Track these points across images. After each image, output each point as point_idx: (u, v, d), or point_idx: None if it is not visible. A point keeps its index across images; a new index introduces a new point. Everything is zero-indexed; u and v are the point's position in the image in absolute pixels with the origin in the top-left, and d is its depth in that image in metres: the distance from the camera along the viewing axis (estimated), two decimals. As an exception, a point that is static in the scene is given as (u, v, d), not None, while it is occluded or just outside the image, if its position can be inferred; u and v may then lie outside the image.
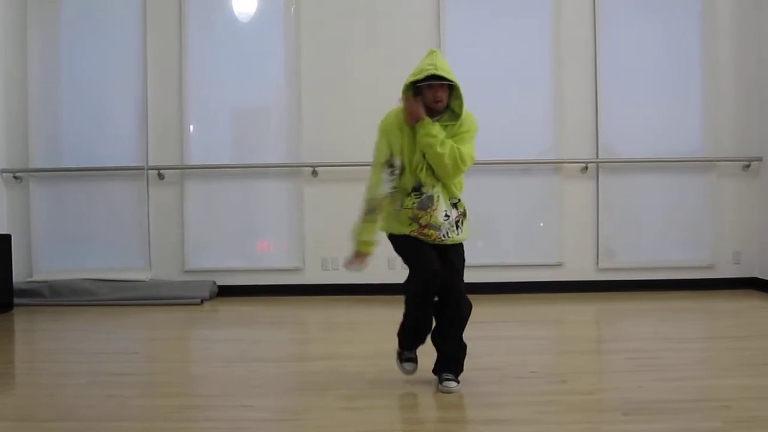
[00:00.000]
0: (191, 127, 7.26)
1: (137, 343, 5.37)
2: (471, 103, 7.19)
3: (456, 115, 3.81)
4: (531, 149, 7.18)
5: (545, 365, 4.37)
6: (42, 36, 7.28)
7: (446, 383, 3.73)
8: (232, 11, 7.27)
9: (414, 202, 3.70)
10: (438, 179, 3.73)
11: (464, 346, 3.85)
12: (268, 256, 7.32)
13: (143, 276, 7.12)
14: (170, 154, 7.21)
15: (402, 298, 3.85)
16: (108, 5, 7.27)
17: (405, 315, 3.87)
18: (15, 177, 7.18)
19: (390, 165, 3.75)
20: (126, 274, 7.11)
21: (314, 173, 7.11)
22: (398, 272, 7.10)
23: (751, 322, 5.75)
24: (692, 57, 7.20)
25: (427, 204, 3.70)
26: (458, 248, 3.83)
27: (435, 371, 3.87)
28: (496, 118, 7.09)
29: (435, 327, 3.88)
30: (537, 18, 7.18)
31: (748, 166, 7.12)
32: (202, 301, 6.76)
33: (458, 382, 3.74)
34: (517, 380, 3.89)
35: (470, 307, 3.82)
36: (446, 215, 3.72)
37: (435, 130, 3.64)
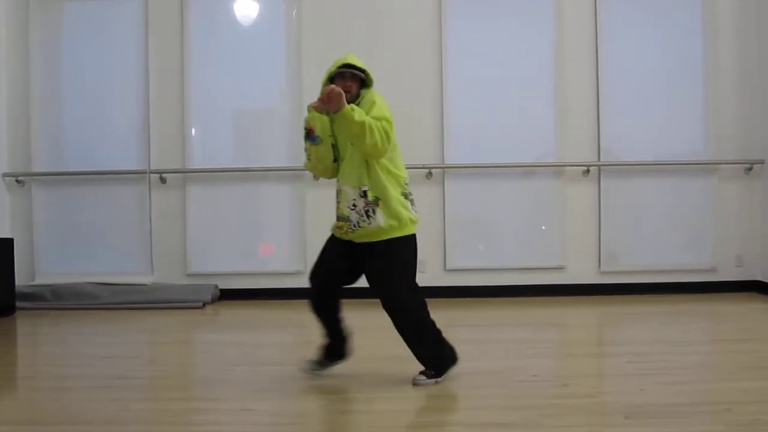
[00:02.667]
0: (193, 131, 7.27)
1: (139, 347, 5.37)
2: (472, 106, 7.25)
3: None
4: (533, 152, 7.19)
5: (547, 368, 4.37)
6: (44, 40, 7.30)
7: (415, 378, 3.86)
8: (233, 14, 7.29)
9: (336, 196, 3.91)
10: (343, 173, 3.87)
11: (430, 342, 3.93)
12: (270, 260, 7.32)
13: (145, 279, 7.13)
14: (172, 157, 7.22)
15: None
16: (110, 9, 7.29)
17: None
18: (17, 181, 7.19)
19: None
20: (128, 277, 7.11)
21: (316, 177, 7.09)
22: (400, 275, 7.09)
23: (753, 325, 5.74)
24: (693, 60, 7.20)
25: (337, 197, 3.89)
26: (383, 247, 3.83)
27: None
28: (498, 121, 7.13)
29: None
30: (538, 21, 7.18)
31: (750, 168, 7.12)
32: (204, 305, 6.77)
33: (432, 376, 3.86)
34: (518, 384, 3.89)
35: (413, 308, 3.89)
36: (352, 205, 3.81)
37: (354, 112, 3.65)
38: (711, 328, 5.81)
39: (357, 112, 3.61)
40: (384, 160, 3.81)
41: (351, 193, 3.82)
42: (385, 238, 3.81)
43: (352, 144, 3.76)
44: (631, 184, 7.16)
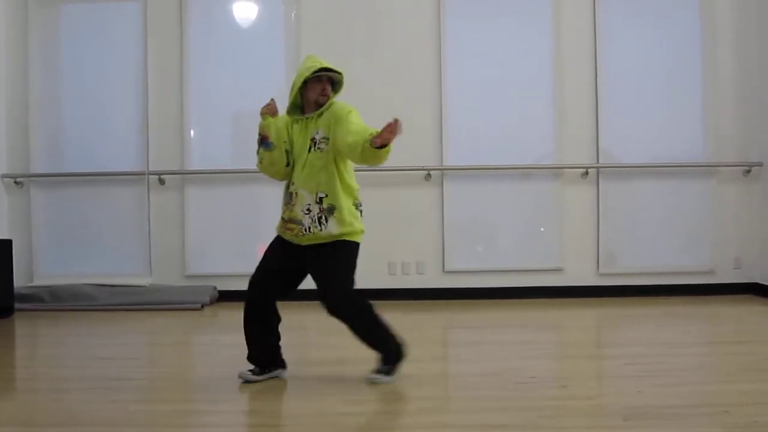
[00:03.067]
0: (192, 132, 7.26)
1: (138, 348, 5.37)
2: (471, 107, 7.25)
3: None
4: (531, 154, 7.19)
5: (545, 370, 4.37)
6: (43, 41, 7.30)
7: (372, 375, 3.94)
8: (232, 15, 7.29)
9: (284, 197, 3.97)
10: (298, 177, 3.88)
11: (380, 339, 3.98)
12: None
13: (144, 281, 7.12)
14: (171, 159, 7.22)
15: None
16: (108, 11, 7.29)
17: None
18: (16, 182, 7.19)
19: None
20: (126, 279, 7.11)
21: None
22: (398, 277, 7.15)
23: (751, 327, 5.74)
24: (692, 62, 7.20)
25: (288, 200, 3.93)
26: (331, 248, 3.88)
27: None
28: (497, 123, 7.13)
29: None
30: (537, 22, 7.19)
31: (748, 171, 7.12)
32: (202, 306, 6.77)
33: (388, 373, 3.92)
34: (517, 385, 3.89)
35: (362, 305, 3.95)
36: (307, 210, 3.85)
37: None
38: (709, 330, 5.82)
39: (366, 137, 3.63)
40: (342, 170, 3.87)
41: (307, 198, 3.86)
42: (334, 240, 3.87)
43: (312, 151, 3.85)
44: (629, 186, 7.17)
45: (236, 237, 7.27)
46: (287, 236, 3.97)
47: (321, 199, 3.83)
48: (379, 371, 3.93)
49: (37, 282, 7.13)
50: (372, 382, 3.88)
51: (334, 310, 3.88)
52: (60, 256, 7.27)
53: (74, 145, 7.32)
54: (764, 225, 7.04)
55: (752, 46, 7.13)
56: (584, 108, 7.13)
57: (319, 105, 3.91)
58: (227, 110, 7.39)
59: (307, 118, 3.93)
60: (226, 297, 7.08)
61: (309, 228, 3.84)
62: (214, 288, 7.08)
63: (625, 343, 5.31)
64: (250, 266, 7.11)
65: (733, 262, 7.15)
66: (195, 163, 7.25)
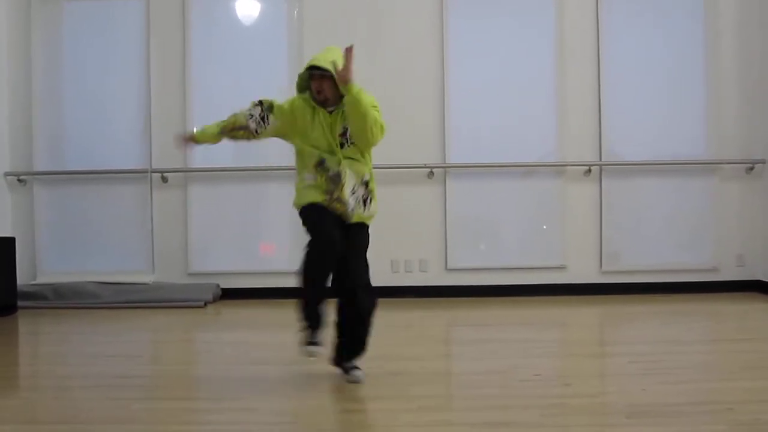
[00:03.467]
0: (194, 130, 7.24)
1: (141, 346, 5.37)
2: (474, 105, 7.25)
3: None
4: (534, 152, 7.18)
5: (549, 368, 4.37)
6: (46, 40, 7.30)
7: (354, 372, 3.92)
8: (235, 14, 7.29)
9: (325, 178, 3.83)
10: (344, 156, 3.82)
11: (368, 334, 3.97)
12: (272, 259, 7.32)
13: (147, 279, 7.13)
14: (173, 157, 7.20)
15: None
16: (111, 9, 7.29)
17: (301, 294, 3.88)
18: (19, 180, 7.20)
19: (264, 114, 4.04)
20: (129, 276, 7.11)
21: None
22: (401, 275, 7.14)
23: (754, 324, 5.74)
24: (695, 59, 7.19)
25: (336, 180, 3.82)
26: (363, 229, 3.94)
27: (337, 362, 4.02)
28: (499, 121, 7.13)
29: (339, 316, 3.98)
30: (540, 21, 7.18)
31: (751, 168, 7.11)
32: (205, 304, 6.77)
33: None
34: (520, 383, 3.89)
35: (375, 300, 3.93)
36: (353, 191, 3.84)
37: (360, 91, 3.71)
38: (712, 327, 5.81)
39: (359, 92, 3.67)
40: (369, 159, 3.94)
41: (353, 179, 3.85)
42: (366, 222, 3.95)
43: (346, 147, 3.84)
44: (632, 183, 7.16)
45: (239, 235, 7.27)
46: (334, 207, 3.85)
47: (366, 182, 3.88)
48: (357, 368, 3.95)
49: (41, 280, 7.14)
50: (356, 381, 3.88)
51: (354, 291, 3.85)
52: (63, 253, 7.28)
53: (77, 142, 7.32)
54: (767, 222, 7.03)
55: (755, 44, 7.12)
56: (587, 106, 7.12)
57: (320, 102, 3.86)
58: (229, 108, 7.28)
59: (331, 113, 3.86)
60: (229, 295, 7.09)
61: (353, 209, 3.85)
62: (217, 286, 7.09)
63: (629, 340, 5.31)
64: (253, 264, 7.23)
65: (736, 259, 7.14)
66: (198, 161, 7.24)
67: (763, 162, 7.05)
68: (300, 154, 3.95)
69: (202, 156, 7.25)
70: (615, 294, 6.99)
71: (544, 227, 7.21)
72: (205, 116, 7.20)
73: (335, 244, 3.70)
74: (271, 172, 7.22)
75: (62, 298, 6.82)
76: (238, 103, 7.30)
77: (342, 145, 3.83)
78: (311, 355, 3.79)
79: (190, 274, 7.20)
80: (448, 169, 7.11)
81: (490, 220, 7.24)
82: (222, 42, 7.27)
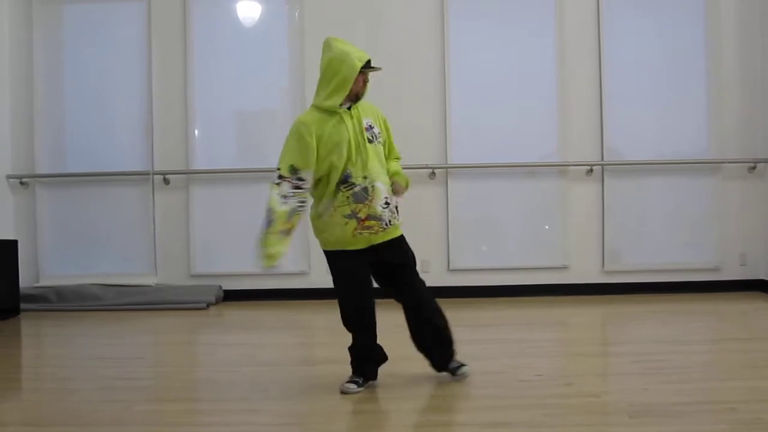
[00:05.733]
0: (196, 132, 7.27)
1: (143, 348, 5.38)
2: (475, 105, 7.24)
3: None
4: (536, 152, 7.17)
5: (550, 368, 4.37)
6: (47, 42, 7.31)
7: (462, 369, 3.88)
8: (236, 15, 7.29)
9: (348, 197, 3.63)
10: (371, 169, 3.68)
11: (448, 326, 3.95)
12: (274, 260, 7.30)
13: (149, 281, 7.13)
14: (175, 158, 7.23)
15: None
16: (112, 12, 7.30)
17: (354, 342, 3.95)
18: (21, 182, 7.21)
19: (296, 174, 3.77)
20: (132, 279, 7.12)
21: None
22: (403, 276, 7.07)
23: (757, 324, 5.73)
24: (697, 58, 7.18)
25: (363, 196, 3.64)
26: (401, 243, 3.87)
27: (440, 368, 3.93)
28: (501, 121, 7.12)
29: (414, 332, 3.92)
30: (541, 20, 7.17)
31: (753, 167, 7.10)
32: (207, 306, 6.78)
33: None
34: (522, 383, 3.89)
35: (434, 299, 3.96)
36: (386, 203, 3.69)
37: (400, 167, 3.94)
38: (715, 327, 5.81)
39: (405, 179, 3.89)
40: None
41: (383, 191, 3.70)
42: (398, 236, 3.85)
43: (374, 143, 3.77)
44: (634, 183, 7.15)
45: (241, 236, 7.21)
46: (359, 242, 3.72)
47: (389, 191, 3.78)
48: (461, 365, 3.90)
49: (43, 282, 7.15)
50: (466, 375, 3.88)
51: (420, 306, 3.85)
52: (65, 256, 7.28)
53: (79, 145, 7.33)
54: (770, 221, 7.04)
55: (757, 43, 7.11)
56: (588, 105, 7.12)
57: (357, 97, 3.77)
58: (231, 110, 7.39)
59: (349, 109, 3.75)
60: (231, 296, 7.09)
61: (389, 221, 3.70)
62: (220, 287, 7.09)
63: (631, 340, 5.30)
64: (255, 265, 7.17)
65: (739, 258, 7.13)
66: (200, 163, 7.25)
67: (765, 161, 7.04)
68: (323, 178, 3.74)
69: (204, 158, 7.28)
70: (617, 294, 6.98)
71: (546, 227, 7.20)
72: (208, 118, 7.26)
73: (371, 309, 3.82)
74: (273, 174, 7.21)
75: (65, 300, 6.83)
76: (241, 105, 7.37)
77: (370, 141, 3.70)
78: (347, 392, 3.75)
79: (193, 276, 7.21)
80: (449, 169, 7.11)
81: (492, 220, 7.24)
82: (223, 44, 7.28)
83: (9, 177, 7.13)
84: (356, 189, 3.63)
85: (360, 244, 3.72)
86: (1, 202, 7.07)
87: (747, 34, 7.12)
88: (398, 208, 3.80)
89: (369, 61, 3.76)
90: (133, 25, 7.28)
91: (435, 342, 3.91)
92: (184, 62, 7.22)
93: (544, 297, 6.95)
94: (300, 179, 3.74)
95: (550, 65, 7.16)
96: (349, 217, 3.64)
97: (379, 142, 3.78)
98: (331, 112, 3.71)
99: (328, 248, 3.82)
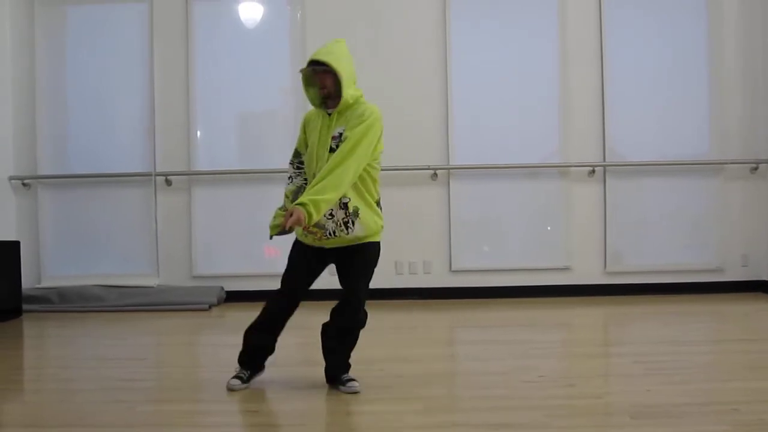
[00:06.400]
0: (198, 133, 7.28)
1: (145, 349, 5.38)
2: (477, 106, 7.24)
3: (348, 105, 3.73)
4: (538, 153, 7.18)
5: (553, 369, 4.36)
6: (49, 44, 7.33)
7: (351, 384, 3.79)
8: (238, 17, 7.30)
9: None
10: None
11: (351, 347, 3.94)
12: (276, 261, 7.30)
13: (151, 282, 7.14)
14: (177, 160, 7.24)
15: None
16: (114, 13, 7.31)
17: (247, 336, 4.06)
18: (23, 184, 7.22)
19: (298, 158, 3.96)
20: (134, 280, 7.13)
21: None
22: (405, 277, 7.14)
23: (759, 325, 5.72)
24: (699, 59, 7.19)
25: None
26: (360, 251, 3.78)
27: (330, 379, 3.92)
28: (503, 122, 7.13)
29: (327, 329, 3.96)
30: (543, 21, 7.19)
31: (755, 168, 7.10)
32: (209, 307, 6.78)
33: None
34: (524, 384, 3.89)
35: (365, 316, 3.87)
36: (330, 215, 3.67)
37: (314, 194, 3.55)
38: (717, 328, 5.80)
39: (316, 209, 3.51)
40: (367, 168, 3.69)
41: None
42: (358, 243, 3.78)
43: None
44: (636, 184, 7.16)
45: (243, 237, 7.28)
46: (308, 241, 3.84)
47: (345, 204, 3.66)
48: (353, 379, 3.85)
49: (45, 283, 7.16)
50: (353, 392, 3.76)
51: (347, 301, 3.84)
52: (67, 257, 7.30)
53: (81, 146, 7.34)
54: (772, 222, 7.03)
55: (758, 43, 7.11)
56: (590, 106, 7.12)
57: (324, 99, 3.74)
58: (233, 111, 7.40)
59: (330, 114, 3.74)
60: (233, 297, 7.10)
61: (333, 232, 3.69)
62: (222, 288, 7.10)
63: (633, 341, 5.30)
64: (257, 266, 7.23)
65: (741, 259, 7.14)
66: (201, 164, 7.27)
67: (767, 162, 7.04)
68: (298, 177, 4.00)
69: (206, 159, 7.28)
70: (619, 295, 6.99)
71: (548, 228, 7.21)
72: (210, 119, 7.27)
73: (293, 301, 3.95)
74: (275, 175, 7.21)
75: (67, 301, 6.84)
76: (242, 106, 7.38)
77: (332, 150, 3.65)
78: (230, 388, 3.88)
79: (195, 277, 7.22)
80: (451, 170, 7.11)
81: (493, 221, 7.25)
82: (225, 45, 7.29)
83: (11, 178, 7.14)
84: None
85: (309, 241, 3.85)
86: (4, 203, 7.08)
87: (748, 35, 7.13)
88: (353, 221, 3.69)
89: (314, 61, 3.70)
90: (135, 26, 7.29)
91: (342, 347, 3.93)
92: (186, 63, 7.23)
93: (546, 298, 6.95)
94: (301, 162, 3.97)
95: (552, 66, 7.16)
96: None
97: None
98: (321, 112, 3.80)
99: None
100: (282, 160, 7.21)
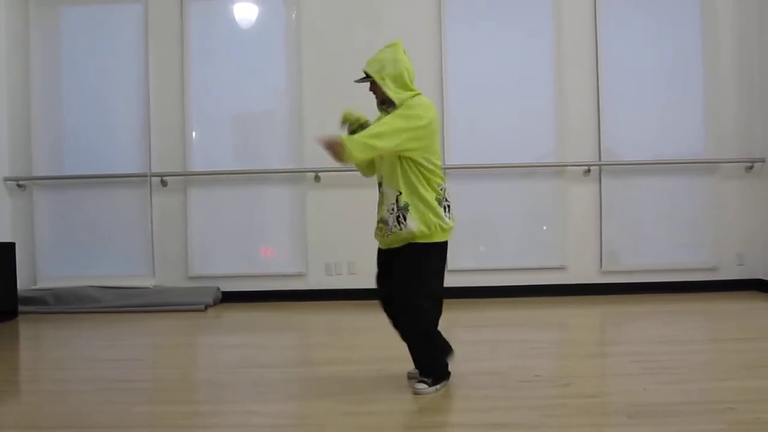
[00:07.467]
0: (194, 134, 7.27)
1: (141, 350, 5.37)
2: (473, 107, 7.23)
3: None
4: (533, 152, 7.18)
5: (549, 369, 4.37)
6: (44, 44, 7.31)
7: (416, 385, 3.79)
8: (233, 17, 7.29)
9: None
10: (382, 173, 3.81)
11: (429, 351, 3.86)
12: (272, 262, 7.32)
13: (147, 283, 7.13)
14: (173, 160, 7.23)
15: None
16: (109, 13, 7.30)
17: None
18: (19, 185, 7.20)
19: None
20: (130, 280, 7.12)
21: (317, 178, 7.12)
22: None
23: (755, 323, 5.73)
24: (694, 58, 7.20)
25: (380, 198, 3.84)
26: (406, 253, 3.79)
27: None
28: (498, 122, 7.13)
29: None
30: (538, 21, 7.19)
31: (750, 167, 7.12)
32: (206, 308, 6.77)
33: (429, 384, 3.78)
34: (521, 384, 3.89)
35: (422, 316, 3.80)
36: (391, 209, 3.76)
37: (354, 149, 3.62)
38: (713, 327, 5.81)
39: (356, 147, 3.60)
40: (421, 161, 3.75)
41: (390, 196, 3.77)
42: (413, 242, 3.78)
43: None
44: (632, 183, 7.17)
45: (239, 238, 7.27)
46: (377, 236, 3.91)
47: (397, 197, 3.74)
48: (420, 381, 3.82)
49: (41, 285, 7.14)
50: (416, 393, 3.75)
51: (400, 312, 3.83)
52: (63, 258, 7.28)
53: (76, 147, 7.33)
54: (767, 221, 7.04)
55: (753, 42, 7.13)
56: (586, 106, 7.13)
57: (379, 104, 3.88)
58: (229, 111, 7.39)
59: (380, 113, 3.90)
60: (229, 298, 7.10)
61: (391, 228, 3.76)
62: (218, 289, 7.09)
63: (629, 340, 5.30)
64: (253, 267, 7.23)
65: (736, 258, 7.15)
66: (197, 165, 7.26)
67: (762, 161, 7.06)
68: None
69: (201, 159, 7.27)
70: (615, 294, 7.00)
71: (544, 228, 7.21)
72: (205, 119, 7.26)
73: (389, 304, 3.90)
74: (271, 175, 7.23)
75: (63, 302, 6.83)
76: (238, 107, 7.37)
77: None
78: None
79: (191, 278, 7.21)
80: (447, 170, 7.11)
81: (489, 221, 7.25)
82: (220, 45, 7.28)
83: (6, 179, 7.13)
84: (379, 191, 3.87)
85: (379, 240, 3.92)
86: (-1, 205, 7.08)
87: (744, 34, 7.14)
88: (403, 217, 3.73)
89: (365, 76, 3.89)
90: (131, 26, 7.28)
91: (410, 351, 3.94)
92: (181, 64, 7.22)
93: (542, 297, 6.96)
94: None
95: (548, 66, 7.17)
96: (377, 212, 3.88)
97: None
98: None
99: None
100: (277, 160, 7.28)
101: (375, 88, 3.84)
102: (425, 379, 3.81)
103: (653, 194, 7.16)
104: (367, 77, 3.85)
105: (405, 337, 3.90)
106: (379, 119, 3.87)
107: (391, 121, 3.68)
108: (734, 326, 5.71)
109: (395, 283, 3.82)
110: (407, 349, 3.90)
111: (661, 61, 7.16)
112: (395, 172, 3.76)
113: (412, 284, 3.76)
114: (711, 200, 7.16)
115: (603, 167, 7.13)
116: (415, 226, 3.73)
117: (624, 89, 7.14)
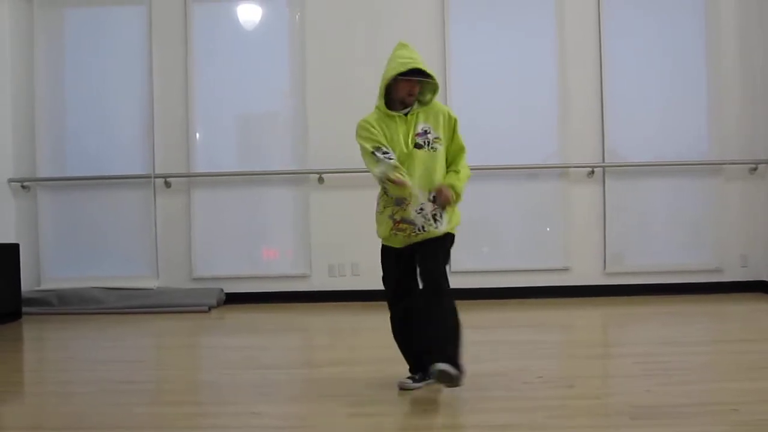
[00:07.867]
0: (197, 135, 7.28)
1: (145, 351, 5.38)
2: (476, 108, 7.23)
3: (423, 103, 3.86)
4: (537, 154, 7.18)
5: (552, 370, 4.37)
6: (48, 46, 7.33)
7: (438, 365, 3.42)
8: (237, 19, 7.30)
9: (391, 199, 3.77)
10: (414, 175, 3.72)
11: (459, 333, 3.74)
12: (275, 263, 7.32)
13: (151, 284, 7.14)
14: (177, 162, 7.24)
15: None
16: (113, 15, 7.32)
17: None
18: (23, 186, 7.22)
19: (380, 150, 3.71)
20: (133, 282, 7.12)
21: (320, 180, 7.12)
22: (405, 278, 7.08)
23: (758, 325, 5.73)
24: (697, 60, 7.19)
25: (401, 200, 3.74)
26: (435, 241, 3.82)
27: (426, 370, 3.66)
28: (502, 123, 7.13)
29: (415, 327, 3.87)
30: (542, 22, 7.18)
31: (755, 168, 7.10)
32: (209, 309, 6.78)
33: (457, 368, 3.45)
34: (524, 385, 3.88)
35: (450, 295, 3.83)
36: (419, 210, 3.73)
37: (457, 180, 3.77)
38: (716, 328, 5.80)
39: (460, 186, 3.78)
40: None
41: (420, 198, 3.74)
42: (442, 234, 3.85)
43: (426, 149, 3.77)
44: (635, 184, 7.16)
45: (243, 239, 7.28)
46: (397, 240, 3.82)
47: (434, 197, 3.74)
48: (443, 361, 3.48)
49: (45, 286, 7.15)
50: (444, 377, 3.42)
51: (433, 284, 3.78)
52: (67, 259, 7.29)
53: (80, 148, 7.34)
54: (771, 222, 7.04)
55: (757, 44, 7.11)
56: (589, 107, 7.12)
57: (404, 104, 3.81)
58: (232, 113, 7.41)
59: (407, 115, 3.81)
60: (232, 299, 7.10)
61: (422, 227, 3.75)
62: (221, 290, 7.10)
63: (632, 342, 5.30)
64: (257, 268, 7.23)
65: (740, 260, 7.13)
66: (201, 166, 7.26)
67: (766, 162, 7.04)
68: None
69: (205, 161, 7.28)
70: (618, 295, 6.98)
71: (548, 229, 7.21)
72: (209, 121, 7.27)
73: (407, 309, 3.88)
74: (275, 177, 7.24)
75: (66, 304, 6.84)
76: (241, 108, 7.38)
77: (419, 146, 3.75)
78: (402, 386, 3.84)
79: (194, 279, 7.22)
80: (450, 171, 7.11)
81: (492, 222, 7.24)
82: (224, 47, 7.29)
83: (10, 181, 7.15)
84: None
85: (398, 243, 3.85)
86: (3, 206, 7.09)
87: (747, 35, 7.13)
88: (441, 215, 3.78)
89: (415, 70, 3.77)
90: (134, 28, 7.29)
91: (428, 332, 3.73)
92: (184, 65, 7.23)
93: (545, 299, 6.95)
94: (386, 152, 3.72)
95: (551, 67, 7.16)
96: (390, 217, 3.79)
97: (434, 148, 3.78)
98: (390, 114, 3.82)
99: (381, 238, 3.94)
100: (281, 161, 7.29)
101: (417, 88, 3.80)
102: (446, 361, 3.48)
103: (657, 196, 7.15)
104: (425, 77, 3.81)
105: (429, 316, 3.75)
106: (402, 126, 3.79)
107: (464, 155, 3.87)
108: (738, 328, 5.71)
109: (426, 262, 3.79)
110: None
111: (665, 62, 7.15)
112: (434, 175, 3.75)
113: (439, 259, 3.83)
114: (715, 202, 7.15)
115: (606, 168, 7.13)
116: (449, 224, 3.86)
117: (627, 90, 7.13)
